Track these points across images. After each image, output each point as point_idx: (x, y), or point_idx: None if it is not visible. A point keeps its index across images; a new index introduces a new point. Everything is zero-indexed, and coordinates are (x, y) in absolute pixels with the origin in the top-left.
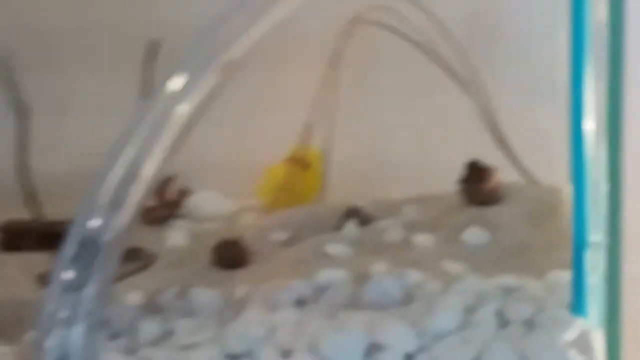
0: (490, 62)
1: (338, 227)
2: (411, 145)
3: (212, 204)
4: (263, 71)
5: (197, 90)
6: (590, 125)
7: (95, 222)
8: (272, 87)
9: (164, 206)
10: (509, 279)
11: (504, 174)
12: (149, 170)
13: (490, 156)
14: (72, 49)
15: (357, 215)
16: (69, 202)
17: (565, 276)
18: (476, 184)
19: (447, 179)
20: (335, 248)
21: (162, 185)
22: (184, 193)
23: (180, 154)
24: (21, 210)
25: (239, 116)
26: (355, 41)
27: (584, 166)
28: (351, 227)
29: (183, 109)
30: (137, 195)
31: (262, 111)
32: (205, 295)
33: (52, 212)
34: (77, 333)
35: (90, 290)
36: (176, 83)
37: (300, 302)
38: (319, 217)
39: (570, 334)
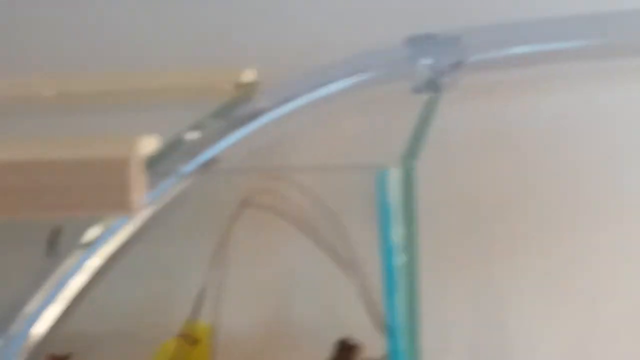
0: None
1: None
2: (296, 317)
3: None
4: (160, 243)
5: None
6: None
7: None
8: (170, 257)
9: None
10: None
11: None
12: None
13: None
14: None
15: None
16: None
17: None
18: None
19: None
20: None
21: None
22: None
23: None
24: None
25: (137, 287)
26: (245, 221)
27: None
28: None
29: (77, 281)
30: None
31: (159, 282)
32: None
33: None
34: None
35: None
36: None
37: None
38: None
39: None
